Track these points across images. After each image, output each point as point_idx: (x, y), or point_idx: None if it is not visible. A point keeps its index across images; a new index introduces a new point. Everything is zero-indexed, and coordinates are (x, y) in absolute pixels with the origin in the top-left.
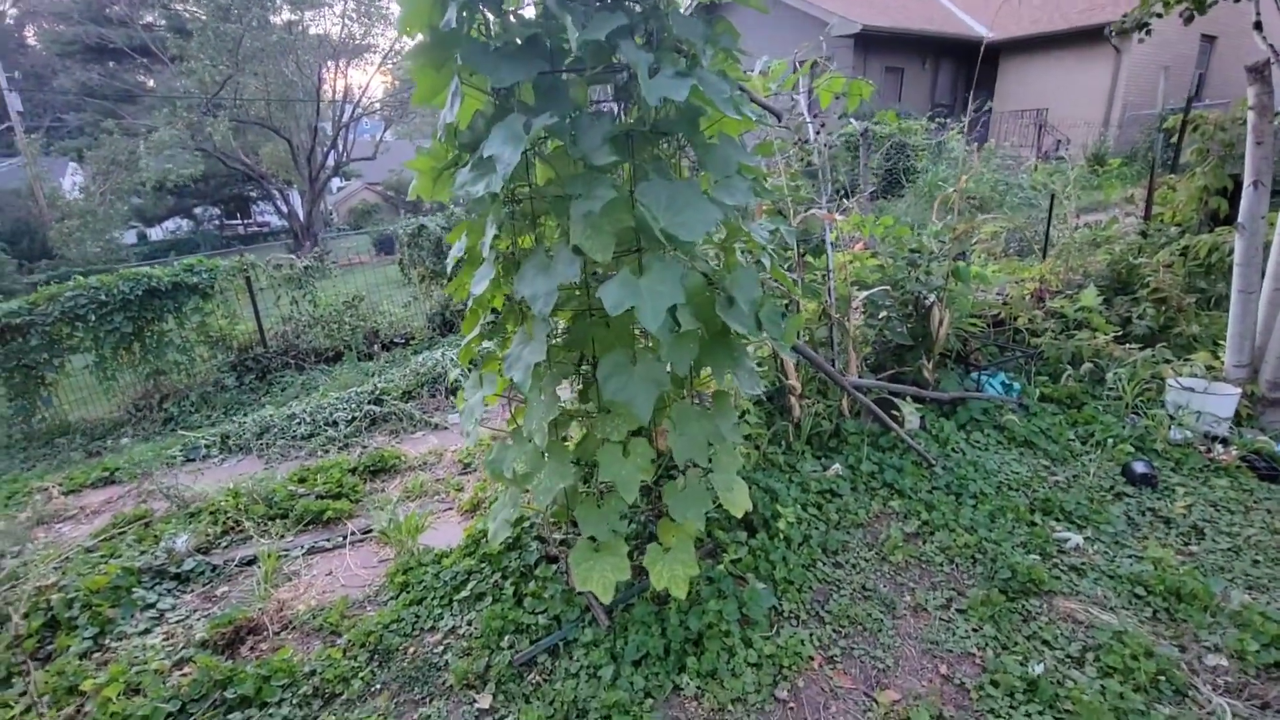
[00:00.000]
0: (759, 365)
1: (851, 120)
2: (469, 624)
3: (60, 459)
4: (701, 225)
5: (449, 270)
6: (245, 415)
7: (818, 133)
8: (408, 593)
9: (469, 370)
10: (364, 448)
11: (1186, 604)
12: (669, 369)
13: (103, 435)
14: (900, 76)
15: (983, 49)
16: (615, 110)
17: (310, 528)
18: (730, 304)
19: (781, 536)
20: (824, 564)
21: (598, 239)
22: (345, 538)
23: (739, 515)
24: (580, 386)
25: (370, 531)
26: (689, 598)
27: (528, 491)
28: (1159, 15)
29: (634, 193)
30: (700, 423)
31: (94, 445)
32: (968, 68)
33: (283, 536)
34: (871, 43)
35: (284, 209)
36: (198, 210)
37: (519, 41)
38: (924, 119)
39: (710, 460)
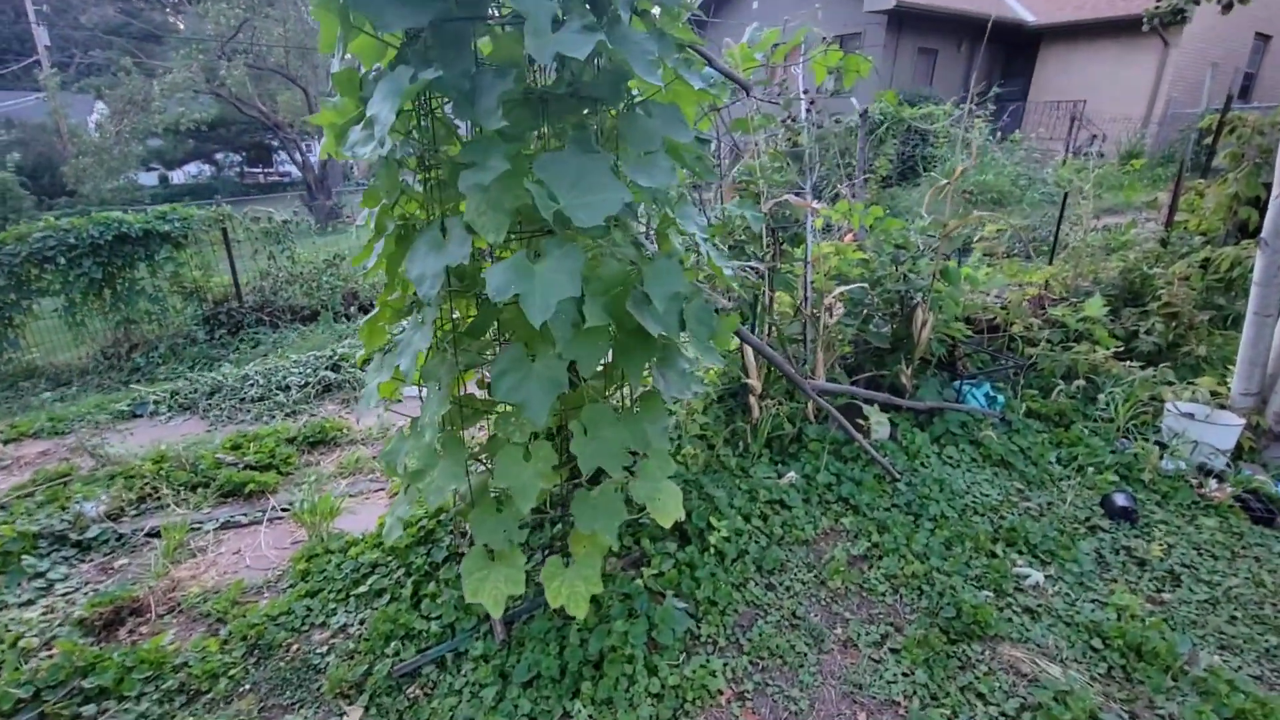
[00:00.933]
0: None
1: (853, 101)
2: (361, 623)
3: (22, 403)
4: (605, 208)
5: (355, 237)
6: (209, 371)
7: (808, 111)
8: (306, 582)
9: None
10: (311, 416)
11: (1146, 662)
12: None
13: (68, 381)
14: (934, 58)
15: (990, 28)
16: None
17: (231, 500)
18: (646, 300)
19: (713, 550)
20: (756, 584)
21: (491, 216)
22: (265, 513)
23: (667, 525)
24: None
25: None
26: (598, 614)
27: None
28: (1195, 2)
29: (534, 165)
30: (617, 428)
31: (59, 391)
32: (1006, 53)
33: (199, 507)
34: (906, 20)
35: (299, 160)
36: (219, 156)
37: None
38: (948, 104)
39: (635, 466)
